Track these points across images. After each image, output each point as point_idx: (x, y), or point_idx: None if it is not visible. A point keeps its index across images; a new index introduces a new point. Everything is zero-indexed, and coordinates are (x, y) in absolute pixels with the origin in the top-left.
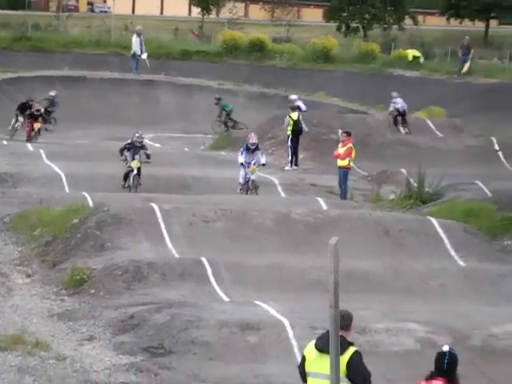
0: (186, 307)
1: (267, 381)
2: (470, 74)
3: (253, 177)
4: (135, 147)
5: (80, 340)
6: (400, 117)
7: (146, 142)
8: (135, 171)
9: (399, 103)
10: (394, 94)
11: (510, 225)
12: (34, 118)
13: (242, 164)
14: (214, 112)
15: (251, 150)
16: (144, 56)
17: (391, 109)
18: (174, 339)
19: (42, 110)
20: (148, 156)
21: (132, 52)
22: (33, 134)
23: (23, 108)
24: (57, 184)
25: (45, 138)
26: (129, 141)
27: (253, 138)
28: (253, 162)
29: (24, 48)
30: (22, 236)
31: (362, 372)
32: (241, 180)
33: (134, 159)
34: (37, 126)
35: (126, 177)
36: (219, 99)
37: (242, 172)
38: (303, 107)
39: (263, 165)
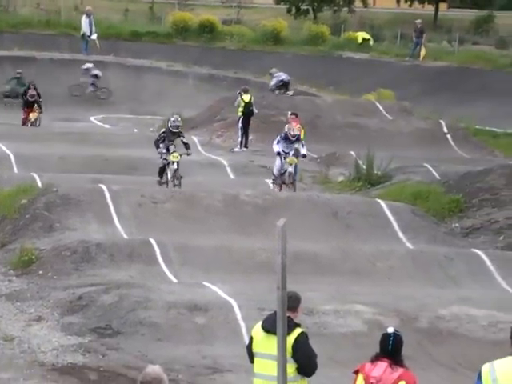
0: (134, 288)
1: (215, 361)
2: (422, 58)
3: (290, 169)
4: (171, 134)
5: (28, 321)
6: (284, 86)
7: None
8: (175, 165)
9: (282, 75)
10: (274, 69)
11: (458, 207)
12: (28, 105)
13: (278, 153)
14: (164, 94)
15: (290, 141)
16: (94, 37)
17: (273, 82)
18: (121, 320)
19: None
20: (187, 146)
21: (82, 33)
22: (28, 123)
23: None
24: (5, 164)
25: None
26: (163, 129)
27: (295, 129)
28: (292, 153)
29: None
30: None
31: (308, 353)
32: (275, 171)
33: (168, 150)
34: (33, 115)
35: (162, 171)
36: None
37: (277, 162)
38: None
39: (304, 156)
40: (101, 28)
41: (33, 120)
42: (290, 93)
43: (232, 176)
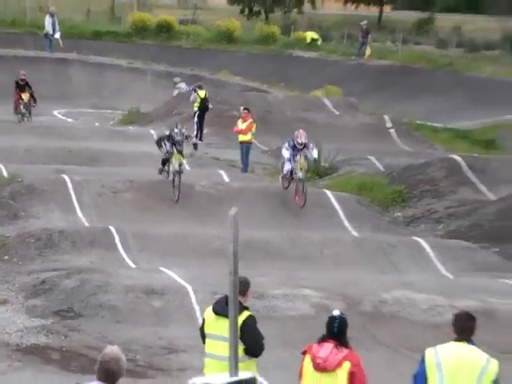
0: (95, 273)
1: (170, 343)
2: (367, 57)
3: (300, 174)
4: (175, 142)
5: None
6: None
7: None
8: (177, 165)
9: (183, 87)
10: (177, 79)
11: (400, 198)
12: (20, 88)
13: (288, 160)
14: (123, 89)
15: (297, 149)
16: (57, 35)
17: (174, 94)
18: (83, 303)
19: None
20: (195, 146)
21: (45, 32)
22: (21, 106)
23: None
24: None
25: None
26: (167, 133)
27: (302, 137)
28: (303, 157)
29: None
30: None
31: (255, 335)
32: (284, 171)
33: (174, 150)
34: (25, 96)
35: (164, 163)
36: None
37: (287, 165)
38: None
39: (315, 160)
40: (64, 27)
41: (26, 101)
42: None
43: (187, 167)
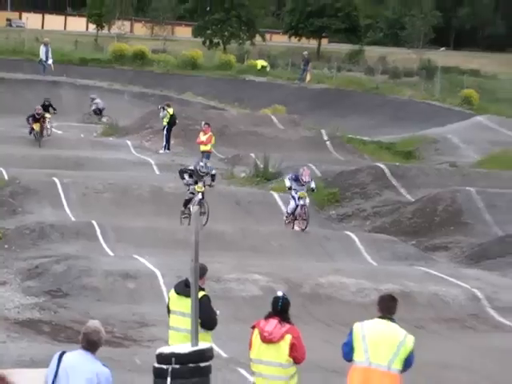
0: (80, 259)
1: (142, 318)
2: (308, 81)
3: (302, 202)
4: (199, 175)
5: None
6: (99, 112)
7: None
8: (200, 195)
9: (100, 103)
10: (94, 95)
11: (334, 198)
12: (34, 119)
13: (289, 188)
14: (106, 107)
15: (301, 184)
16: (50, 62)
17: (93, 108)
18: (69, 285)
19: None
20: (213, 177)
21: (39, 59)
22: (33, 134)
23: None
24: None
25: None
26: (191, 167)
27: (306, 176)
28: (303, 188)
29: None
30: None
31: (208, 311)
32: (289, 210)
33: (197, 182)
34: (36, 126)
35: (188, 203)
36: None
37: (292, 203)
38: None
39: (313, 190)
40: (56, 55)
41: (37, 130)
42: (104, 119)
43: (157, 172)
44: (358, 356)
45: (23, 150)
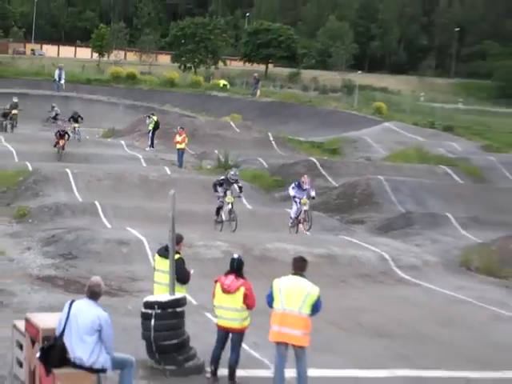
0: (86, 230)
1: (133, 274)
2: (258, 96)
3: (305, 207)
4: (229, 182)
5: (22, 249)
6: (55, 118)
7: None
8: (229, 206)
9: (58, 111)
10: (54, 104)
11: (278, 184)
12: (61, 135)
13: (294, 197)
14: (105, 115)
15: (303, 189)
16: (62, 81)
17: (53, 114)
18: (78, 249)
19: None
20: (240, 189)
21: (53, 79)
22: (59, 146)
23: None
24: (9, 157)
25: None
26: (222, 177)
27: (306, 183)
28: (305, 196)
29: None
30: None
31: (183, 270)
32: (292, 215)
33: (226, 194)
34: (62, 142)
35: (218, 211)
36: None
37: (294, 207)
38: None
39: (313, 198)
40: (68, 76)
41: (61, 145)
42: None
43: (144, 164)
44: (276, 304)
45: (43, 148)
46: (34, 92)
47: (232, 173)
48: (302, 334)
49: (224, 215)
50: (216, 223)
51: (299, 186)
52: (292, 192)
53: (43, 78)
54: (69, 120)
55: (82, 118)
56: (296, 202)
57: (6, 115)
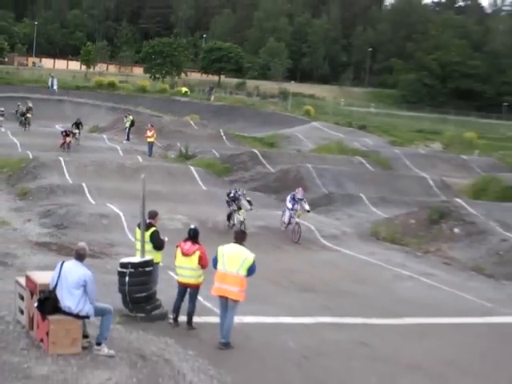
0: (74, 206)
1: (111, 241)
2: (212, 101)
3: (298, 220)
4: (237, 198)
5: (24, 221)
6: (23, 114)
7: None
8: (241, 218)
9: (22, 108)
10: (19, 102)
11: (227, 170)
12: (67, 134)
13: (291, 209)
14: (90, 115)
15: (297, 201)
16: (55, 87)
17: (19, 110)
18: (68, 221)
19: (76, 132)
20: (250, 203)
21: (47, 85)
22: (65, 146)
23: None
24: (14, 147)
25: (6, 126)
26: (231, 194)
27: (299, 193)
28: (298, 208)
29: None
30: None
31: (158, 240)
32: (285, 220)
33: (240, 208)
34: (68, 139)
35: (229, 217)
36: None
37: (287, 213)
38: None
39: (308, 211)
40: (61, 83)
41: (67, 142)
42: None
43: (121, 154)
44: (219, 265)
45: (40, 140)
46: (34, 96)
47: (233, 191)
48: (239, 290)
49: (236, 222)
50: (228, 227)
51: (294, 198)
52: (289, 205)
53: (41, 84)
54: (72, 125)
55: (82, 126)
56: (289, 208)
57: (23, 115)
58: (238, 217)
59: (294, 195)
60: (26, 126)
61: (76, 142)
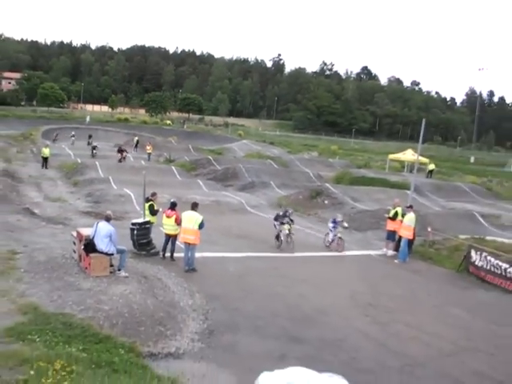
0: (105, 190)
1: (126, 210)
2: (185, 128)
3: (339, 235)
4: (284, 217)
5: (75, 199)
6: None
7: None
8: (287, 231)
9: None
10: (73, 133)
11: (194, 168)
12: (121, 150)
13: (332, 228)
14: (113, 138)
15: (337, 222)
16: (87, 120)
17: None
18: (101, 199)
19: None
20: (292, 221)
21: (85, 120)
22: (122, 159)
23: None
24: (69, 156)
25: (63, 143)
26: (280, 213)
27: (339, 217)
28: (339, 228)
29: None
30: (60, 170)
31: (152, 210)
32: (330, 239)
33: (283, 223)
34: (123, 154)
35: (278, 237)
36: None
37: (330, 234)
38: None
39: (346, 228)
40: (96, 119)
41: (123, 156)
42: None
43: (132, 159)
44: (183, 223)
45: (81, 151)
46: (81, 126)
47: (282, 211)
48: (194, 238)
49: (283, 238)
50: (276, 245)
51: (335, 222)
52: (330, 225)
53: (83, 119)
54: (88, 137)
55: (91, 137)
56: (332, 230)
57: (94, 148)
58: (284, 231)
59: (334, 219)
60: (94, 154)
61: (95, 151)
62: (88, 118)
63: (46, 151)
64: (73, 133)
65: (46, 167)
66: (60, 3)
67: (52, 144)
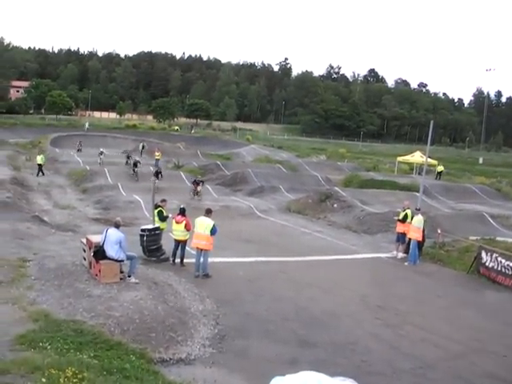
0: (114, 196)
1: (135, 216)
2: (192, 133)
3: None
4: (198, 182)
5: (84, 206)
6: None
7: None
8: (198, 189)
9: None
10: (102, 149)
11: (202, 173)
12: (197, 183)
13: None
14: (122, 144)
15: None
16: (86, 126)
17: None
18: (110, 205)
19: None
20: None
21: (86, 128)
22: (196, 192)
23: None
24: (78, 164)
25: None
26: (195, 180)
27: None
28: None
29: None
30: (69, 177)
31: (162, 216)
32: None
33: (197, 183)
34: (198, 188)
35: (193, 192)
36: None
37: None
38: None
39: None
40: (104, 126)
41: (198, 191)
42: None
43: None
44: (195, 229)
45: (92, 159)
46: (78, 133)
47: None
48: (206, 243)
49: (192, 194)
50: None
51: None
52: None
53: (82, 126)
54: (99, 153)
55: (103, 153)
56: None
57: (135, 165)
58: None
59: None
60: (136, 176)
61: (101, 160)
62: (87, 125)
63: (39, 158)
64: (136, 159)
65: (43, 174)
66: (67, 11)
67: (78, 154)
